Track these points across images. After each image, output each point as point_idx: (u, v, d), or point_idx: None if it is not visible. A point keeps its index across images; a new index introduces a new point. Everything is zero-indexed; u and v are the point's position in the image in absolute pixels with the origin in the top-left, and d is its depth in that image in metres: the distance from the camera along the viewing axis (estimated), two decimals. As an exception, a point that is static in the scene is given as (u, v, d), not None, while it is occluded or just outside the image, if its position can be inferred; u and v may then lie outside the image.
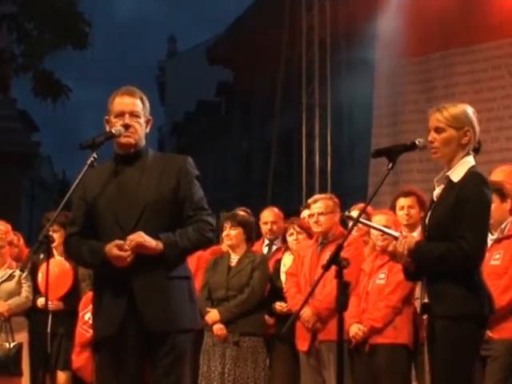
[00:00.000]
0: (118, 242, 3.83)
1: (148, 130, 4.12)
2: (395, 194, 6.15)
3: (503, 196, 5.36)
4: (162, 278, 3.91)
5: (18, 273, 6.59)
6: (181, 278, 4.00)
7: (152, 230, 3.88)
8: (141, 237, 3.83)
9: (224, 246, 6.67)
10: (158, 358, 3.91)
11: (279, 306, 6.25)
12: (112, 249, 3.82)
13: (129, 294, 3.89)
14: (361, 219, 3.96)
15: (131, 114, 4.01)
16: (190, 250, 4.02)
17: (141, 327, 3.89)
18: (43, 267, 6.25)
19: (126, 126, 3.97)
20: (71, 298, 6.60)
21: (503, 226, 5.37)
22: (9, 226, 6.89)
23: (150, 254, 3.84)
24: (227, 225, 6.35)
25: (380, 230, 4.52)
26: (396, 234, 4.11)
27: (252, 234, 6.49)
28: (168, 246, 3.87)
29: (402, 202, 5.91)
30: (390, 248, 3.96)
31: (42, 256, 6.37)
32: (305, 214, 6.75)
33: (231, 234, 6.33)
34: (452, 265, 3.83)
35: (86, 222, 4.02)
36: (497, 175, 6.05)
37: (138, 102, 4.05)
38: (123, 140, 3.99)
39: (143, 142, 4.09)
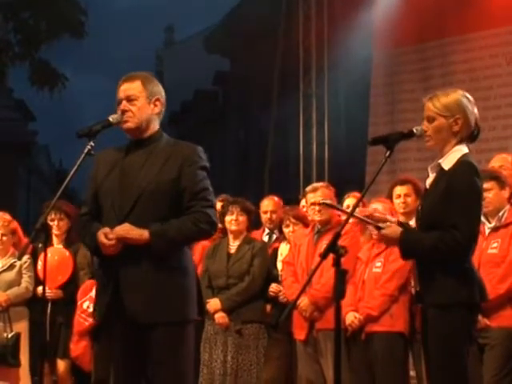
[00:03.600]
0: (105, 229, 3.84)
1: (157, 110, 4.06)
2: (392, 183, 6.16)
3: (502, 184, 5.37)
4: (149, 268, 3.85)
5: (19, 263, 6.59)
6: (173, 269, 3.90)
7: (146, 218, 3.85)
8: (123, 229, 3.81)
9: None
10: (148, 349, 3.87)
11: (273, 288, 6.24)
12: (100, 235, 3.84)
13: (115, 283, 3.89)
14: (332, 204, 3.93)
15: (127, 98, 3.98)
16: (180, 241, 3.91)
17: (125, 317, 3.88)
18: (41, 256, 6.27)
19: (123, 112, 3.97)
20: (70, 287, 6.61)
21: (501, 214, 5.37)
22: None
23: (136, 244, 3.81)
24: (235, 210, 6.32)
25: (362, 221, 4.52)
26: (381, 224, 4.11)
27: (251, 222, 6.50)
28: (155, 235, 3.82)
29: (399, 190, 5.92)
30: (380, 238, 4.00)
31: (40, 245, 6.38)
32: (304, 203, 6.75)
33: (239, 219, 6.33)
34: (444, 254, 3.85)
35: (94, 203, 4.04)
36: (495, 162, 6.07)
37: (136, 85, 4.00)
38: (123, 126, 3.99)
39: (152, 125, 4.05)
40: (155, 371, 3.89)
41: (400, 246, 3.97)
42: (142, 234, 3.81)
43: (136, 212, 3.88)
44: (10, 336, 6.47)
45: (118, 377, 4.04)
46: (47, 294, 6.30)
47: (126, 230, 3.82)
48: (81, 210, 4.20)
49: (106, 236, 3.82)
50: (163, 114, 4.16)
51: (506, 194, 5.42)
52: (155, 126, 4.08)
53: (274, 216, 6.87)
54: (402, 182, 5.97)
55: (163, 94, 4.12)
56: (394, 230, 3.97)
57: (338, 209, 4.90)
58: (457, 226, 3.81)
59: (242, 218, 6.34)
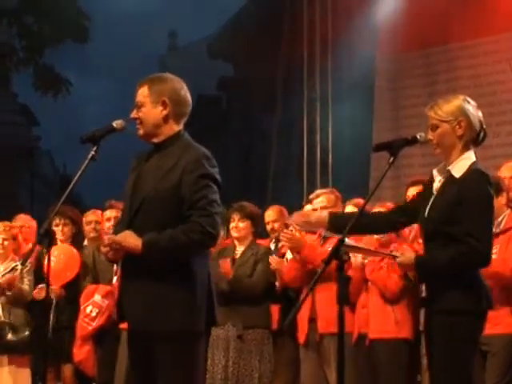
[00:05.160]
0: (106, 237, 3.91)
1: (166, 112, 3.91)
2: (407, 184, 6.19)
3: (498, 190, 5.35)
4: (152, 276, 3.76)
5: (19, 267, 6.58)
6: (178, 278, 3.78)
7: (147, 226, 3.79)
8: (121, 236, 3.78)
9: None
10: (152, 359, 3.81)
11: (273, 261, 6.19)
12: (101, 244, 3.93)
13: (120, 290, 3.93)
14: (348, 243, 3.85)
15: (137, 105, 3.95)
16: (171, 251, 3.75)
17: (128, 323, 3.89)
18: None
19: (135, 119, 3.96)
20: (73, 288, 6.62)
21: (499, 219, 5.37)
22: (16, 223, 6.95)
23: (133, 253, 3.76)
24: (236, 217, 6.33)
25: (371, 253, 4.50)
26: (391, 253, 4.11)
27: (259, 227, 6.50)
28: (147, 246, 3.73)
29: (410, 191, 5.94)
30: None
31: (45, 250, 6.38)
32: (308, 208, 6.79)
33: (239, 226, 6.33)
34: (465, 266, 3.85)
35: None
36: (506, 171, 6.00)
37: (143, 90, 3.93)
38: (137, 133, 3.97)
39: (164, 129, 3.94)
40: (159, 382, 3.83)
41: (417, 270, 3.98)
42: (138, 244, 3.74)
43: (138, 219, 3.85)
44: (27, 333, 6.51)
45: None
46: (51, 292, 6.26)
47: (124, 237, 3.78)
48: None
49: (103, 244, 3.87)
50: (183, 112, 4.01)
51: (503, 200, 5.42)
52: (170, 128, 3.96)
53: (276, 225, 6.90)
54: (413, 183, 5.99)
55: (174, 92, 3.95)
56: (408, 257, 3.99)
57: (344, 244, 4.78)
58: (473, 235, 3.81)
59: (243, 224, 6.35)
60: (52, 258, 6.42)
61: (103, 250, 3.85)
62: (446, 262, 3.85)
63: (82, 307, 6.48)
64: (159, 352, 3.76)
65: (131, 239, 3.76)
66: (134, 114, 3.96)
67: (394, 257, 4.05)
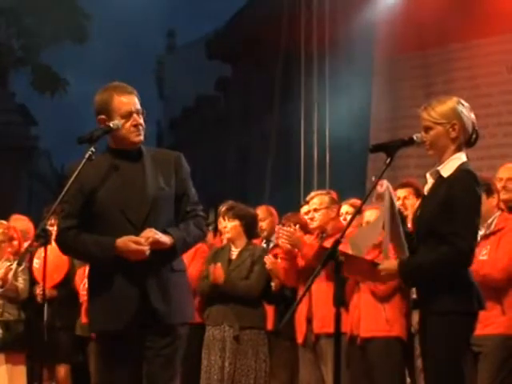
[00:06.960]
0: (133, 237, 3.84)
1: None
2: (395, 186, 6.19)
3: (489, 191, 5.36)
4: (168, 272, 3.97)
5: (14, 266, 6.58)
6: (181, 271, 4.09)
7: (159, 224, 3.93)
8: (156, 233, 3.87)
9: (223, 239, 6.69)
10: (159, 348, 3.93)
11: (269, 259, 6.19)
12: (129, 244, 3.83)
13: (140, 288, 3.91)
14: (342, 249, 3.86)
15: (138, 112, 4.00)
16: (192, 244, 4.13)
17: (151, 320, 3.91)
18: (37, 254, 6.32)
19: (137, 126, 3.98)
20: (66, 288, 6.63)
21: (490, 221, 5.37)
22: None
23: (160, 249, 3.88)
24: (224, 217, 6.35)
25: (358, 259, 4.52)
26: (376, 260, 4.11)
27: (252, 226, 6.45)
28: (178, 241, 3.94)
29: (398, 193, 5.95)
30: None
31: (26, 244, 6.39)
32: (304, 209, 6.81)
33: (228, 226, 6.33)
34: (449, 267, 3.85)
35: (84, 215, 3.98)
36: (504, 172, 5.99)
37: (137, 98, 4.03)
38: (136, 139, 3.99)
39: None
40: (161, 369, 3.94)
41: (401, 277, 3.99)
42: (170, 239, 3.92)
43: (151, 219, 3.93)
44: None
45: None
46: (41, 293, 6.27)
47: (157, 232, 3.88)
48: (62, 223, 4.06)
49: (139, 243, 3.84)
50: None
51: (493, 201, 5.42)
52: None
53: (264, 224, 6.93)
54: (402, 185, 6.00)
55: None
56: (391, 263, 3.97)
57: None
58: (459, 234, 3.80)
59: (232, 225, 6.31)
60: (37, 261, 6.49)
61: (142, 248, 3.83)
62: (428, 267, 3.85)
63: (81, 285, 6.55)
64: (176, 339, 3.98)
65: (162, 236, 3.90)
66: (140, 120, 4.00)
67: (376, 264, 4.03)
